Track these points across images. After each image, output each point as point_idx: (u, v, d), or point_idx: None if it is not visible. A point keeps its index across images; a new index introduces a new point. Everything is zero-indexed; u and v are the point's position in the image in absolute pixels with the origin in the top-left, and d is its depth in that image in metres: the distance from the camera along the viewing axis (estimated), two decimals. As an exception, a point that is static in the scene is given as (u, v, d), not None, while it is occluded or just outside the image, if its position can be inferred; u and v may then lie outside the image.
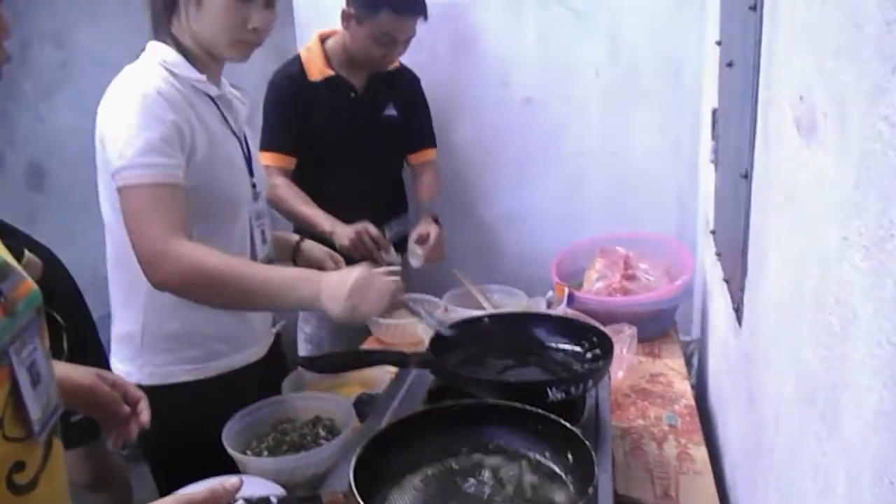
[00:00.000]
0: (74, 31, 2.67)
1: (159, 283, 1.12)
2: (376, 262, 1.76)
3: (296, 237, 1.58)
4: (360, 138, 1.97)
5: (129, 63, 1.24)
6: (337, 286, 1.09)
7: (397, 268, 1.68)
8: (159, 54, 1.22)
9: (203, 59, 1.25)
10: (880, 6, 0.46)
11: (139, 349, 1.27)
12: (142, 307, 1.25)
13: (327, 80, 1.92)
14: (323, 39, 1.97)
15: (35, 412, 0.69)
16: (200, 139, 1.19)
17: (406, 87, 2.08)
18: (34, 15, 2.71)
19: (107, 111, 1.16)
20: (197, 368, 1.29)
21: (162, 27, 1.24)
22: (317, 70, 1.92)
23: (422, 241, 1.88)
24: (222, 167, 1.24)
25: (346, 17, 1.88)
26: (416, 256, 1.85)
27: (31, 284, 0.73)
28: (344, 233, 1.76)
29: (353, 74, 1.96)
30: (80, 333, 1.51)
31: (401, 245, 1.93)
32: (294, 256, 1.55)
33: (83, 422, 1.03)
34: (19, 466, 0.67)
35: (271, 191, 1.75)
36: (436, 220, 1.95)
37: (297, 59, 1.95)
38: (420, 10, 1.88)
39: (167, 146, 1.13)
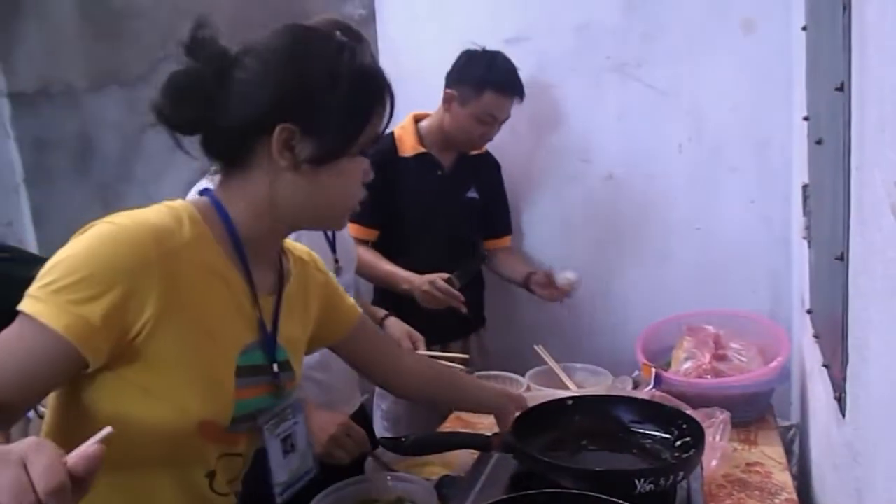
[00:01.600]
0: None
1: None
2: (453, 309, 1.86)
3: (382, 313, 1.65)
4: (441, 216, 2.03)
5: None
6: (319, 433, 1.26)
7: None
8: None
9: None
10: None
11: None
12: None
13: (418, 157, 2.01)
14: (417, 120, 2.07)
15: (281, 476, 0.87)
16: None
17: (488, 172, 2.17)
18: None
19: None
20: None
21: None
22: (409, 146, 2.02)
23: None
24: None
25: (448, 98, 1.97)
26: (572, 271, 1.97)
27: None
28: (420, 285, 1.84)
29: (442, 154, 2.05)
30: None
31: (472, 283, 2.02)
32: None
33: None
34: None
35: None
36: None
37: (391, 135, 2.04)
38: (520, 91, 1.98)
39: None
